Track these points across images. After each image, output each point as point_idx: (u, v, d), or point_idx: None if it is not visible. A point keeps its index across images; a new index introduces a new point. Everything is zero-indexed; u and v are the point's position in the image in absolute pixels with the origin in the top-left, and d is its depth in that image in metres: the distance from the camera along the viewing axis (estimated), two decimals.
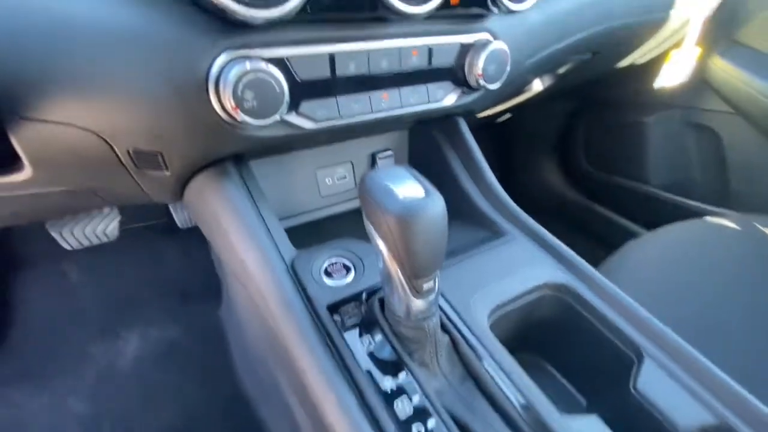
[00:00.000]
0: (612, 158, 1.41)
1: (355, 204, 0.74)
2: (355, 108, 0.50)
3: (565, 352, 0.53)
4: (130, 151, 0.45)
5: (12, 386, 0.94)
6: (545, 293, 0.50)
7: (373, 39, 0.47)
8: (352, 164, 0.72)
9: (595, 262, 0.56)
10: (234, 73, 0.38)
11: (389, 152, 0.74)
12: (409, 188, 0.33)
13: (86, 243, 1.01)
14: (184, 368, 1.08)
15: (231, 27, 0.39)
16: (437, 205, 0.33)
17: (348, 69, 0.47)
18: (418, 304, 0.36)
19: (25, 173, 0.46)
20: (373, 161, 0.73)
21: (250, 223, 0.48)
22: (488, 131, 1.59)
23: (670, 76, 1.02)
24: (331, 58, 0.45)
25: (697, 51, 0.99)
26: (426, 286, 0.35)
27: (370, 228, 0.35)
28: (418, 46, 0.51)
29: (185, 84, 0.39)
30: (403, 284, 0.35)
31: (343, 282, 0.46)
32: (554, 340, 0.52)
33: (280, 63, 0.43)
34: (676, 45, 1.00)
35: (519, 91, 0.94)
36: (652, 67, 1.09)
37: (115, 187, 0.55)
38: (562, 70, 0.92)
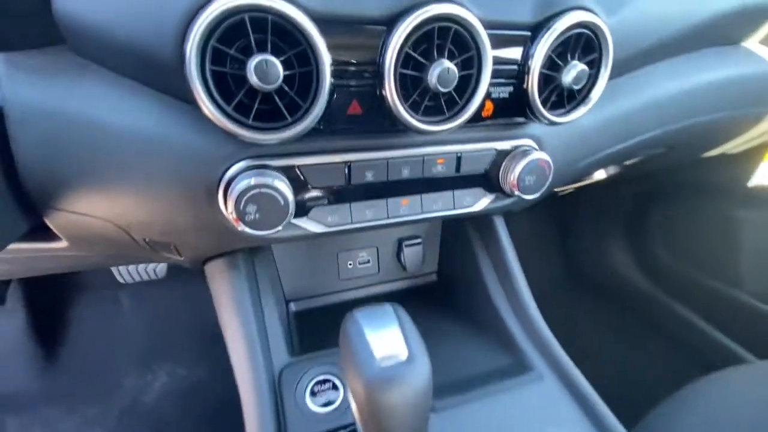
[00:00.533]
0: (695, 251, 1.20)
1: (375, 290, 0.70)
2: (369, 214, 0.47)
3: None
4: (146, 240, 0.46)
5: (50, 404, 1.02)
6: None
7: (393, 148, 0.45)
8: (377, 249, 0.69)
9: (662, 373, 0.45)
10: (238, 187, 0.38)
11: (418, 240, 0.69)
12: (391, 344, 0.29)
13: (137, 279, 1.09)
14: (203, 409, 1.09)
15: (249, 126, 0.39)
16: (419, 376, 0.28)
17: (365, 178, 0.45)
18: None
19: (63, 243, 0.50)
20: (399, 248, 0.69)
21: (246, 326, 0.46)
22: (550, 202, 1.48)
23: None
24: (348, 167, 0.44)
25: None
26: None
27: (345, 374, 0.31)
28: (444, 153, 0.48)
29: (198, 190, 0.40)
30: None
31: (327, 409, 0.42)
32: None
33: (292, 171, 0.42)
34: None
35: (574, 182, 0.86)
36: (752, 152, 0.93)
37: (143, 257, 0.57)
38: (629, 162, 0.82)
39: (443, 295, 0.70)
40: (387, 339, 0.29)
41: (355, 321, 0.30)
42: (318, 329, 0.49)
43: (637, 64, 0.57)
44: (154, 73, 0.35)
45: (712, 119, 0.68)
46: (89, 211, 0.42)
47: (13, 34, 0.35)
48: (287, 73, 0.34)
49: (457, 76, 0.38)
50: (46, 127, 0.37)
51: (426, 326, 0.55)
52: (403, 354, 0.28)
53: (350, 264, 0.68)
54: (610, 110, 0.57)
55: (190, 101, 0.34)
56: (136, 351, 1.16)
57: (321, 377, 0.44)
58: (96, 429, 1.00)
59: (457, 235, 0.67)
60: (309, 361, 0.46)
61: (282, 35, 0.33)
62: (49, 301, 1.11)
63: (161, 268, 1.08)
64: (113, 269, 1.04)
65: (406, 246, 0.69)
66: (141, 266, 1.05)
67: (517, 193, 0.50)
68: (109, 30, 0.33)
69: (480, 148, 0.49)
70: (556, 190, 1.04)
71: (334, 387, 0.44)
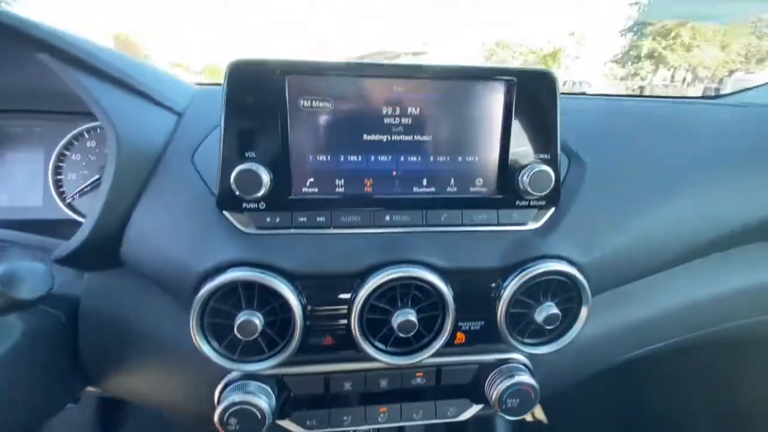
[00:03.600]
0: None
1: None
2: (347, 420, 0.50)
3: None
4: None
5: None
6: None
7: (370, 360, 0.49)
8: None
9: None
10: (223, 403, 0.44)
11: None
12: None
13: None
14: None
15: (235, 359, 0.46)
16: None
17: (343, 388, 0.49)
18: None
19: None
20: None
21: None
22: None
23: None
24: (326, 378, 0.48)
25: None
26: None
27: None
28: (423, 367, 0.50)
29: (197, 394, 0.48)
30: None
31: None
32: None
33: (277, 378, 0.48)
34: None
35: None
36: None
37: None
38: None
39: None
40: None
41: None
42: None
43: (648, 274, 0.55)
44: (181, 302, 0.46)
45: (747, 324, 0.60)
46: (122, 392, 0.52)
47: (97, 264, 0.50)
48: (270, 319, 0.41)
49: (417, 325, 0.42)
50: (102, 327, 0.49)
51: None
52: None
53: None
54: (619, 319, 0.55)
55: None
56: None
57: None
58: None
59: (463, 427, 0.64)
60: None
61: (267, 292, 0.41)
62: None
63: None
64: None
65: None
66: None
67: (501, 414, 0.49)
68: (152, 273, 0.45)
69: (461, 361, 0.50)
70: None
71: None
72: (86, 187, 0.65)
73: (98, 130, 0.65)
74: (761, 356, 0.82)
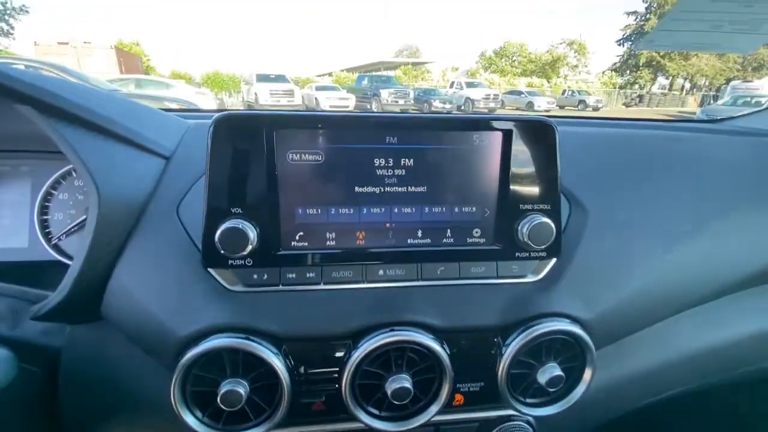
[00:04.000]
0: None
1: None
2: None
3: None
4: None
5: None
6: None
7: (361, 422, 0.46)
8: None
9: None
10: None
11: None
12: None
13: None
14: None
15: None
16: None
17: None
18: None
19: None
20: None
21: None
22: None
23: None
24: None
25: None
26: None
27: None
28: (421, 427, 0.47)
29: None
30: None
31: None
32: None
33: None
34: None
35: None
36: None
37: None
38: None
39: None
40: None
41: None
42: None
43: (648, 326, 0.52)
44: (162, 363, 0.44)
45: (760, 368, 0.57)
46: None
47: (78, 319, 0.48)
48: (256, 385, 0.39)
49: (412, 392, 0.39)
50: (83, 382, 0.46)
51: None
52: None
53: None
54: (623, 370, 0.52)
55: None
56: None
57: None
58: None
59: None
60: None
61: (252, 357, 0.39)
62: None
63: None
64: None
65: None
66: None
67: None
68: (133, 331, 0.43)
69: (462, 419, 0.48)
70: None
71: None
72: (73, 227, 0.63)
73: None
74: None
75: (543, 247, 0.43)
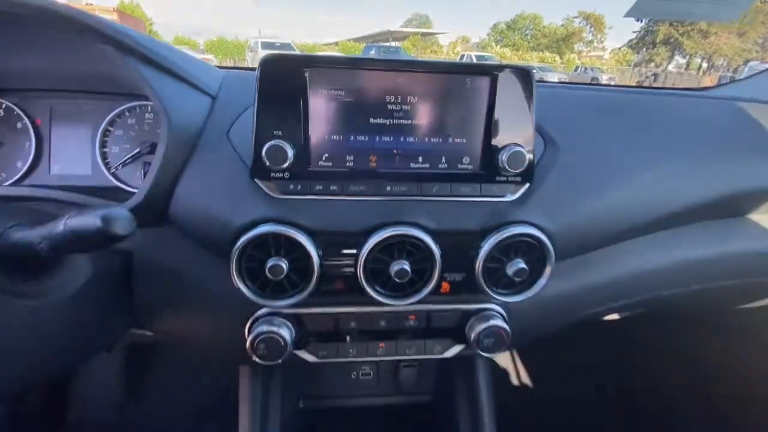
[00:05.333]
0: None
1: (372, 401, 0.81)
2: (352, 352, 0.61)
3: None
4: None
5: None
6: None
7: (373, 305, 0.60)
8: (378, 365, 0.81)
9: None
10: (254, 332, 0.55)
11: (415, 364, 0.80)
12: None
13: None
14: None
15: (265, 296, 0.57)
16: None
17: (349, 325, 0.60)
18: None
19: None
20: (397, 368, 0.80)
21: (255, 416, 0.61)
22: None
23: None
24: (336, 317, 0.59)
25: None
26: None
27: None
28: (416, 311, 0.60)
29: (231, 327, 0.59)
30: None
31: None
32: None
33: (296, 317, 0.59)
34: None
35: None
36: None
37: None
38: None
39: (429, 416, 0.78)
40: None
41: None
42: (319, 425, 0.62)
43: (606, 244, 0.64)
44: (220, 255, 0.56)
45: (703, 289, 0.70)
46: (166, 332, 0.63)
47: (148, 222, 0.60)
48: (293, 265, 0.52)
49: (410, 273, 0.52)
50: (152, 275, 0.60)
51: None
52: None
53: (353, 375, 0.80)
54: (578, 281, 0.65)
55: None
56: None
57: None
58: None
59: (446, 371, 0.76)
60: None
61: (291, 243, 0.52)
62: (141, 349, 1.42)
63: None
64: None
65: (404, 367, 0.80)
66: None
67: (478, 351, 0.60)
68: (195, 229, 0.56)
69: (447, 309, 0.61)
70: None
71: None
72: (128, 158, 0.75)
73: (137, 109, 0.75)
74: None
75: (518, 172, 0.55)
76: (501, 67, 0.52)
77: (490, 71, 0.52)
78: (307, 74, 0.51)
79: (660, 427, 1.25)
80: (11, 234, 0.40)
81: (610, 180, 0.61)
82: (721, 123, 0.74)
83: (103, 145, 0.75)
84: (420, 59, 0.54)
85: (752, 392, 1.05)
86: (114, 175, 0.75)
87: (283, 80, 0.51)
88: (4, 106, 0.72)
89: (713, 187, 0.67)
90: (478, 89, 0.53)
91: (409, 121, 0.54)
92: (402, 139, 0.55)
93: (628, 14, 0.92)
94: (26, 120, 0.73)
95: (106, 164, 0.75)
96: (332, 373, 0.79)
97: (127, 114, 0.75)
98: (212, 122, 0.58)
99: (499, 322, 0.59)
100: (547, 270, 0.56)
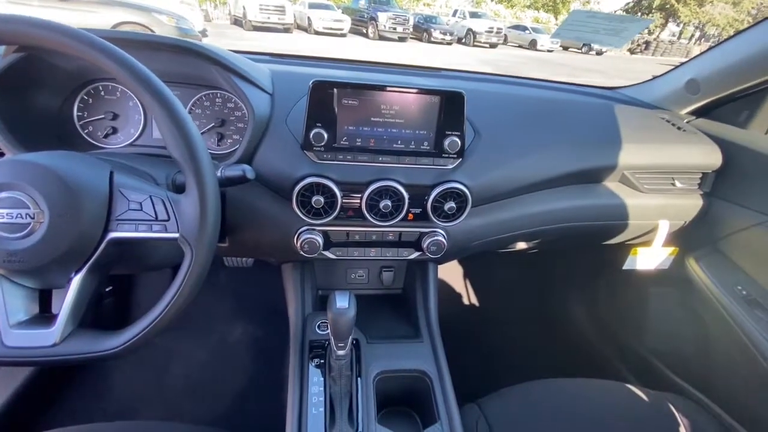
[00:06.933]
0: (611, 311, 1.60)
1: (365, 292, 1.28)
2: (355, 253, 1.05)
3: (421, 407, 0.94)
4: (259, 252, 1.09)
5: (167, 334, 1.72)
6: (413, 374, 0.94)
7: (370, 227, 1.03)
8: (368, 270, 1.27)
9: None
10: (300, 238, 0.98)
11: (392, 269, 1.26)
12: (342, 302, 0.86)
13: (234, 265, 1.78)
14: (261, 353, 1.73)
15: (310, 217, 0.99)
16: (350, 312, 0.84)
17: (354, 238, 1.03)
18: (338, 353, 0.87)
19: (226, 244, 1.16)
20: (380, 271, 1.26)
21: (298, 297, 1.06)
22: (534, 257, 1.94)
23: (645, 263, 1.29)
24: (347, 233, 1.03)
25: (669, 250, 1.25)
26: (341, 345, 0.86)
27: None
28: (394, 231, 1.04)
29: (287, 235, 1.01)
30: (332, 342, 0.86)
31: (323, 333, 1.00)
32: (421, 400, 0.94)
33: (324, 232, 1.02)
34: (645, 243, 1.27)
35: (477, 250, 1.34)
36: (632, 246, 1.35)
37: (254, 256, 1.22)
38: (534, 242, 1.31)
39: (400, 301, 1.25)
40: (344, 299, 0.86)
41: (333, 297, 0.88)
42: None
43: (506, 196, 1.09)
44: (281, 194, 0.97)
45: (570, 226, 1.16)
46: (238, 245, 1.06)
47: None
48: (327, 200, 0.94)
49: (391, 207, 0.95)
50: (237, 207, 1.01)
51: (380, 312, 1.12)
52: (346, 305, 0.85)
53: (352, 275, 1.26)
54: (491, 218, 1.10)
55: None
56: (225, 309, 1.85)
57: (321, 321, 1.03)
58: (201, 350, 1.69)
59: (413, 270, 1.22)
60: (317, 313, 1.05)
61: (325, 188, 0.93)
62: None
63: (249, 261, 1.76)
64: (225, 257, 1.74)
65: (384, 270, 1.26)
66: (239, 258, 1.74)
67: (427, 254, 1.05)
68: (268, 179, 0.97)
69: (411, 230, 1.05)
70: (503, 250, 1.53)
71: (327, 325, 1.02)
72: (205, 130, 1.12)
73: (210, 95, 1.11)
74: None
75: (454, 152, 0.97)
76: (446, 92, 0.92)
77: (441, 94, 0.92)
78: (335, 91, 0.90)
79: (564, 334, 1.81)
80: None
81: (511, 157, 1.04)
82: (596, 120, 1.18)
83: None
84: (401, 86, 0.91)
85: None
86: None
87: (323, 95, 0.89)
88: (120, 89, 1.08)
89: (577, 163, 1.11)
90: (435, 102, 0.94)
91: (394, 120, 0.94)
92: (390, 130, 0.95)
93: None
94: (135, 99, 1.09)
95: None
96: (339, 273, 1.25)
97: (203, 98, 1.12)
98: (275, 113, 0.97)
99: (440, 237, 1.04)
100: (467, 209, 1.00)
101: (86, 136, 1.04)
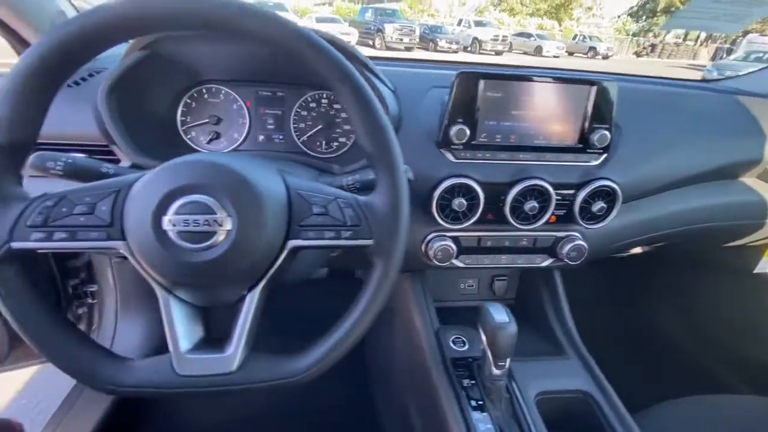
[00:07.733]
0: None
1: (474, 303, 1.18)
2: (485, 261, 0.96)
3: None
4: None
5: None
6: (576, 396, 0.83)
7: (502, 231, 0.94)
8: (479, 280, 1.17)
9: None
10: (433, 246, 0.89)
11: (504, 278, 1.16)
12: (500, 315, 0.76)
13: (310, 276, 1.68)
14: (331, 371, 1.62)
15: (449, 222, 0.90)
16: (512, 327, 0.74)
17: (487, 243, 0.94)
18: (496, 373, 0.77)
19: None
20: (492, 281, 1.16)
21: (421, 308, 0.97)
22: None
23: None
24: (478, 239, 0.93)
25: None
26: (501, 364, 0.76)
27: (480, 327, 0.78)
28: (528, 236, 0.95)
29: (414, 243, 0.92)
30: (490, 360, 0.76)
31: (461, 349, 0.90)
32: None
33: (455, 238, 0.93)
34: None
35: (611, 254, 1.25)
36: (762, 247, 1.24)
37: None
38: (657, 245, 1.21)
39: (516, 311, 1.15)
40: (500, 314, 0.77)
41: (489, 307, 0.78)
42: (447, 319, 0.98)
43: (651, 194, 0.99)
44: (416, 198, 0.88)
45: (708, 226, 1.06)
46: None
47: None
48: (469, 202, 0.85)
49: (537, 208, 0.86)
50: None
51: None
52: (505, 319, 0.76)
53: (462, 285, 1.16)
54: (631, 218, 1.00)
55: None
56: (302, 326, 1.75)
57: (456, 335, 0.93)
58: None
59: (530, 279, 1.12)
60: (450, 328, 0.95)
61: (468, 189, 0.84)
62: None
63: (324, 272, 1.66)
64: None
65: (497, 280, 1.16)
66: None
67: (565, 260, 0.95)
68: None
69: (547, 235, 0.96)
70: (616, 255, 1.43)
71: (462, 341, 0.92)
72: (312, 132, 1.04)
73: (316, 95, 1.04)
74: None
75: (602, 147, 0.87)
76: (597, 81, 0.84)
77: (596, 83, 0.84)
78: (481, 83, 0.81)
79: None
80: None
81: (656, 152, 0.95)
82: (727, 112, 1.08)
83: (293, 122, 1.05)
84: (538, 71, 0.84)
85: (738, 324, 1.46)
86: (302, 143, 1.05)
87: (468, 87, 0.81)
88: (223, 92, 1.01)
89: (717, 158, 1.01)
90: (583, 94, 0.85)
91: (536, 113, 0.86)
92: (531, 124, 0.86)
93: None
94: (240, 102, 1.02)
95: (297, 135, 1.05)
96: (450, 283, 1.15)
97: (309, 99, 1.04)
98: (404, 109, 0.89)
99: (581, 242, 0.94)
100: (616, 209, 0.90)
101: (189, 142, 0.97)
